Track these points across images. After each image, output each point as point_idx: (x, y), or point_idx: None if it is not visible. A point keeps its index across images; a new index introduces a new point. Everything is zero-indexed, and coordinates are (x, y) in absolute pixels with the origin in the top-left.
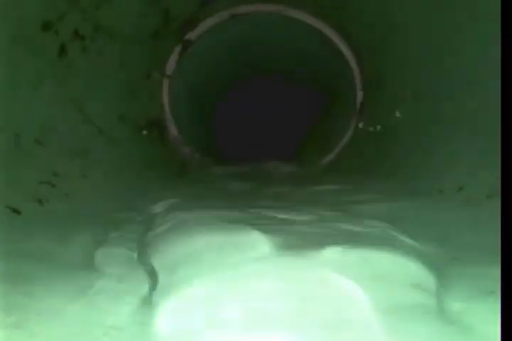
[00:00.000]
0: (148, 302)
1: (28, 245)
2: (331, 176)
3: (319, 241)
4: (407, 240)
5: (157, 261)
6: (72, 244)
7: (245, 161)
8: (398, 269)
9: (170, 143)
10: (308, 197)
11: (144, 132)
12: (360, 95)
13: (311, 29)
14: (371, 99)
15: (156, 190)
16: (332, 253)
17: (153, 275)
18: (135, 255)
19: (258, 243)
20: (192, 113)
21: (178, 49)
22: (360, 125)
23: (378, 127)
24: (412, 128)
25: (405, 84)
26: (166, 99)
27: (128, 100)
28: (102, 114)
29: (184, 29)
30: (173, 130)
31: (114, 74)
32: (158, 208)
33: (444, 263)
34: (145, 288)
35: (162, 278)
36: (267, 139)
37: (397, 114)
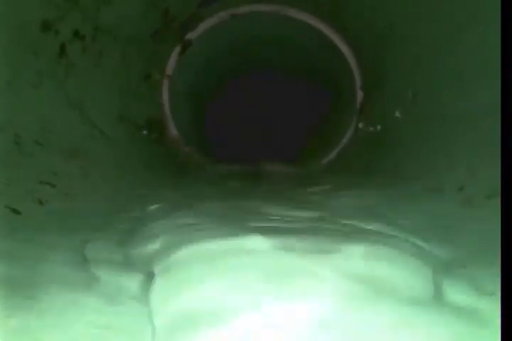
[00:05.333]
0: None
1: (28, 246)
2: (331, 176)
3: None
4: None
5: (155, 263)
6: (72, 245)
7: (245, 161)
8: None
9: (170, 143)
10: (308, 198)
11: (145, 132)
12: (360, 95)
13: (311, 29)
14: (371, 99)
15: (155, 190)
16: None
17: (148, 277)
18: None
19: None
20: (192, 112)
21: (178, 49)
22: (360, 125)
23: (378, 127)
24: (412, 128)
25: (406, 84)
26: (166, 99)
27: (128, 100)
28: (102, 114)
29: (184, 29)
30: (173, 130)
31: (114, 75)
32: (157, 208)
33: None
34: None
35: (159, 280)
36: (267, 139)
37: (397, 114)
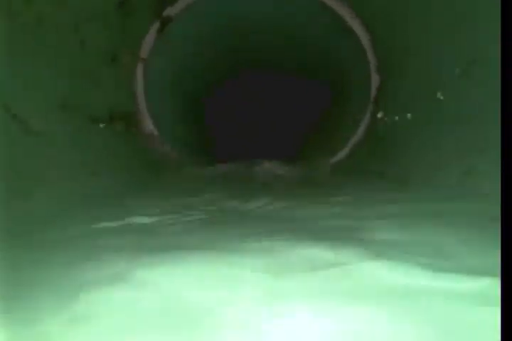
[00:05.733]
0: None
1: None
2: (340, 178)
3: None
4: None
5: None
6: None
7: (239, 161)
8: None
9: (143, 139)
10: (310, 203)
11: (101, 125)
12: (375, 79)
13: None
14: (390, 85)
15: (126, 196)
16: None
17: None
18: None
19: None
20: (172, 104)
21: (155, 27)
22: (380, 114)
23: (409, 115)
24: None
25: (450, 62)
26: (139, 88)
27: (83, 86)
28: (40, 102)
29: (162, 3)
30: (148, 124)
31: (61, 54)
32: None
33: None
34: None
35: None
36: (265, 136)
37: (439, 96)
